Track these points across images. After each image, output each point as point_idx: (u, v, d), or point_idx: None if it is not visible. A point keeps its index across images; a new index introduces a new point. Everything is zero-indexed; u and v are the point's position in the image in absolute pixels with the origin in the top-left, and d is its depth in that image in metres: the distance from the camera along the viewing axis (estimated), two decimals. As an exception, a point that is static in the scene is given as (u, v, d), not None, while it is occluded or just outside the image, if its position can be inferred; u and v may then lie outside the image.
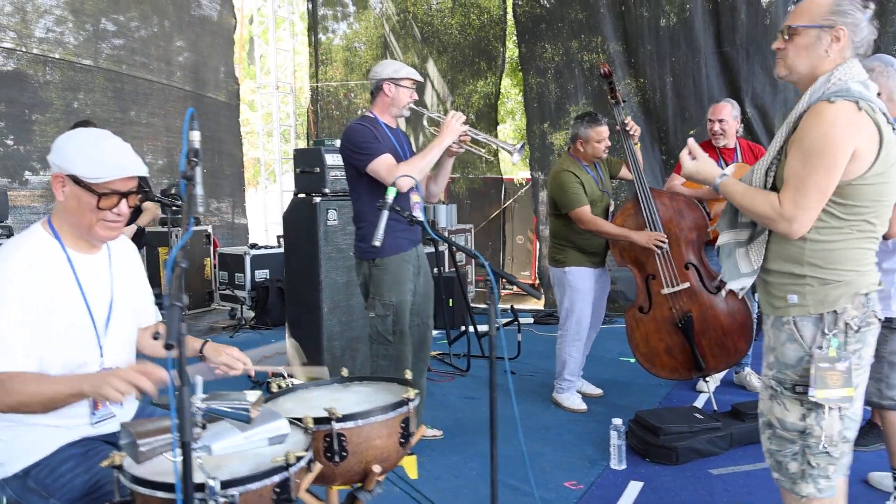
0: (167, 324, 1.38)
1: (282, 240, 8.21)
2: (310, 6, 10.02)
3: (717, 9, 7.55)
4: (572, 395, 4.60)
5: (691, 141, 2.40)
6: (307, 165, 4.87)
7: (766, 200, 2.10)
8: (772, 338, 2.20)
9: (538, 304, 8.21)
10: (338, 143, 5.05)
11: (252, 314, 7.38)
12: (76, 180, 2.03)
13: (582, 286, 4.48)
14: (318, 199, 4.76)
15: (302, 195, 4.99)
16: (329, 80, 10.29)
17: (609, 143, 4.41)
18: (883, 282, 2.87)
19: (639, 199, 4.36)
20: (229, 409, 1.69)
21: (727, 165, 4.65)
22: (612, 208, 4.59)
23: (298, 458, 1.78)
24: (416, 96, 3.77)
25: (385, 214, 2.68)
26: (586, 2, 8.10)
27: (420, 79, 3.78)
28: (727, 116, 4.58)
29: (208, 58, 9.26)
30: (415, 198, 3.73)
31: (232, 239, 9.78)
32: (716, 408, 4.24)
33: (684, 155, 2.36)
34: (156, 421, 1.68)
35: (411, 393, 2.25)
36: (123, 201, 2.11)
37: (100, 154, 2.05)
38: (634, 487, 3.43)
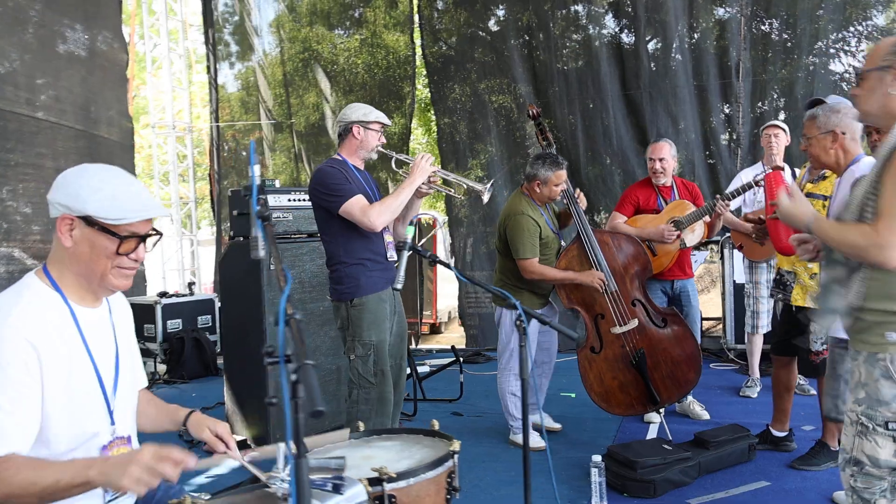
0: (307, 387, 1.24)
1: (193, 287, 7.84)
2: (208, 44, 9.69)
3: (620, 54, 7.94)
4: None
5: (793, 183, 2.47)
6: (245, 207, 4.65)
7: (857, 231, 2.17)
8: (863, 374, 2.23)
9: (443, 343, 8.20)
10: (277, 183, 4.89)
11: (164, 368, 6.91)
12: (90, 222, 1.80)
13: (530, 329, 4.49)
14: (260, 243, 4.53)
15: (240, 238, 4.76)
16: (229, 121, 9.95)
17: (565, 187, 4.47)
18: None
19: (581, 240, 4.43)
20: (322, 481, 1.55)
21: (665, 203, 4.85)
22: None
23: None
24: (384, 139, 3.77)
25: (405, 255, 2.59)
26: (493, 45, 8.33)
27: (389, 122, 3.77)
28: (667, 155, 4.78)
29: (98, 94, 8.73)
30: (388, 237, 3.73)
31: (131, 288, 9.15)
32: (670, 437, 4.35)
33: (783, 195, 2.43)
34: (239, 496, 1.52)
35: (455, 445, 2.16)
36: (142, 245, 1.91)
37: (118, 192, 1.83)
38: (619, 525, 3.44)
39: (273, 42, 9.83)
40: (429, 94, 9.10)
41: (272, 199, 4.62)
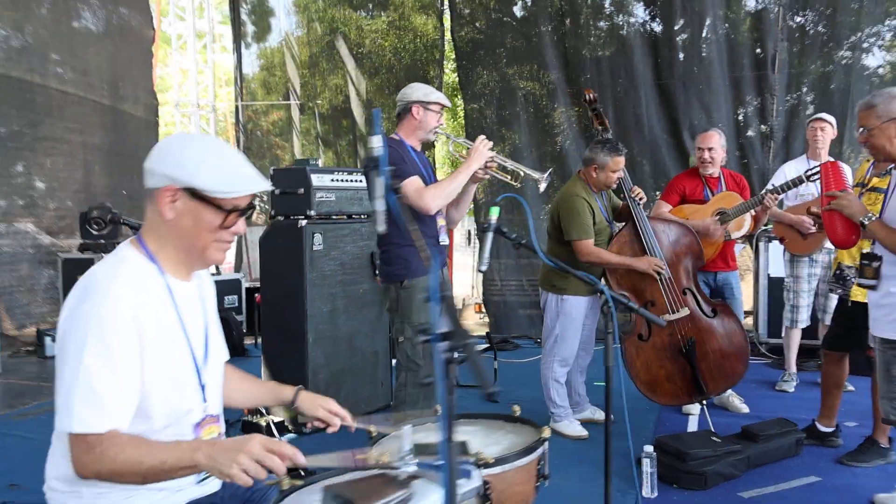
0: (479, 370, 1.19)
1: (221, 266, 7.80)
2: (234, 23, 9.62)
3: (655, 42, 7.86)
4: (571, 421, 4.54)
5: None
6: (289, 186, 4.60)
7: None
8: None
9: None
10: (320, 162, 4.83)
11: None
12: (195, 194, 1.72)
13: (577, 315, 4.45)
14: (303, 223, 4.49)
15: (281, 218, 4.71)
16: (250, 101, 9.88)
17: (622, 174, 4.40)
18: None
19: (636, 225, 4.38)
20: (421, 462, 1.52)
21: (712, 194, 4.80)
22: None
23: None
24: (443, 121, 3.71)
25: (490, 236, 2.54)
26: (523, 30, 8.24)
27: (448, 104, 3.71)
28: (716, 145, 4.72)
29: (126, 70, 8.66)
30: (440, 221, 3.69)
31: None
32: (713, 429, 4.30)
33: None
34: (361, 482, 1.47)
35: (546, 432, 2.13)
36: (242, 220, 1.84)
37: (224, 164, 1.76)
38: (673, 516, 3.40)
39: (297, 22, 9.75)
40: (456, 79, 9.03)
41: (315, 179, 4.58)
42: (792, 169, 5.23)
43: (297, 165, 4.82)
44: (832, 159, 4.71)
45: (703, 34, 7.71)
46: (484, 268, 2.58)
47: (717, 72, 7.60)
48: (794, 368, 5.49)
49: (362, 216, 4.88)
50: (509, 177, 3.70)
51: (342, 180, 4.71)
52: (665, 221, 4.53)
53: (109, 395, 1.59)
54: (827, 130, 5.22)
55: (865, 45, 7.94)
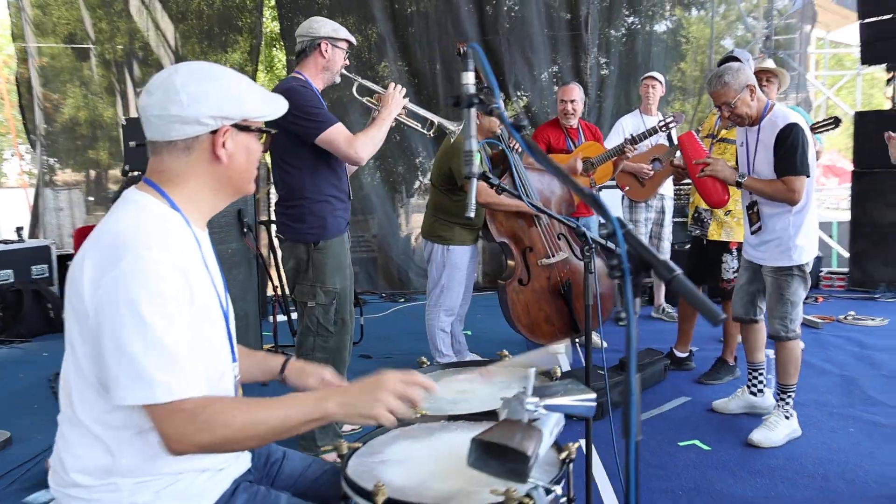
0: (694, 298, 1.19)
1: (23, 232, 6.88)
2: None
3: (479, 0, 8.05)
4: (457, 369, 4.65)
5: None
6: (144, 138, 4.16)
7: None
8: None
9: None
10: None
11: (-2, 326, 6.04)
12: (242, 127, 1.55)
13: (462, 264, 4.54)
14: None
15: (137, 173, 4.26)
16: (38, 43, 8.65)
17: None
18: (781, 232, 3.48)
19: (513, 172, 4.53)
20: (574, 405, 1.51)
21: (574, 144, 5.09)
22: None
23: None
24: (347, 61, 3.49)
25: (474, 182, 2.49)
26: (351, -21, 8.04)
27: (355, 42, 3.51)
28: (577, 97, 5.00)
29: None
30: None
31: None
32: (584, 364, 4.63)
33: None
34: (498, 428, 1.43)
35: (557, 370, 2.17)
36: None
37: (251, 85, 1.59)
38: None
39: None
40: (277, 28, 8.60)
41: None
42: (629, 123, 5.70)
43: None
44: (689, 129, 5.20)
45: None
46: (471, 214, 2.54)
47: (537, 29, 7.98)
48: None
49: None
50: (419, 124, 3.63)
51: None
52: (537, 169, 4.72)
53: (187, 354, 1.39)
54: (657, 88, 5.73)
55: (651, 13, 8.77)
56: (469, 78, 1.64)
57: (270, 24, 9.37)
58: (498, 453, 1.34)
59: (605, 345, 5.27)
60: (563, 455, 1.58)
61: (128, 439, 1.44)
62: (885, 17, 6.77)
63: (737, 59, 4.09)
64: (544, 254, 4.57)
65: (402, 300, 7.48)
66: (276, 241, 4.03)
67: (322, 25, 3.35)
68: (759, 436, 3.51)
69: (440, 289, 4.54)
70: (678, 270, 1.25)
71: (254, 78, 8.37)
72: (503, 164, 4.57)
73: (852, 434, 3.64)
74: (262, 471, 1.83)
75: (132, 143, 4.18)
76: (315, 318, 3.38)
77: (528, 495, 1.41)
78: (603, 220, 1.33)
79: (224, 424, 1.38)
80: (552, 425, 1.46)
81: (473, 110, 1.62)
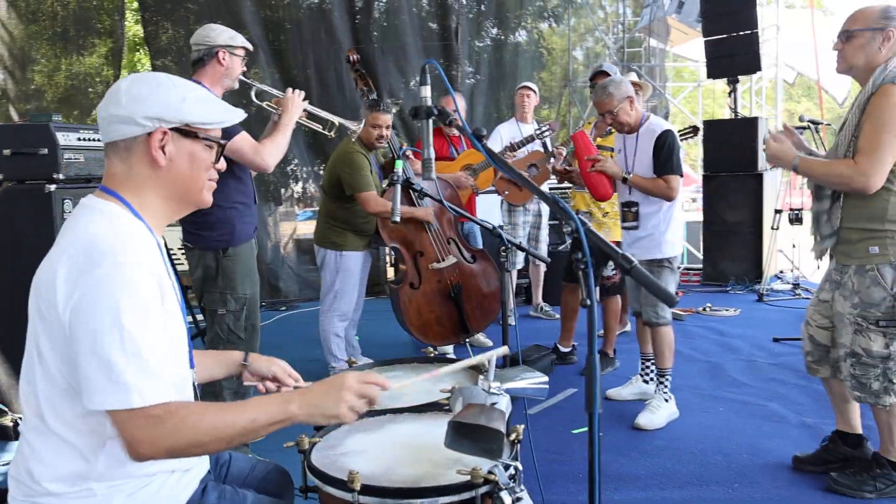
0: (651, 286, 1.34)
1: None
2: None
3: (352, 8, 8.11)
4: (351, 374, 4.69)
5: (778, 129, 2.89)
6: (26, 145, 3.94)
7: (843, 164, 2.69)
8: (855, 283, 2.78)
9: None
10: (59, 117, 4.22)
11: None
12: (186, 133, 1.56)
13: (355, 269, 4.60)
14: (51, 188, 3.89)
15: (13, 183, 4.02)
16: None
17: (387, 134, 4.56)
18: (653, 229, 3.82)
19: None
20: (529, 388, 1.65)
21: (457, 151, 5.27)
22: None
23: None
24: (245, 68, 3.49)
25: (398, 189, 2.57)
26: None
27: (251, 48, 3.50)
28: (458, 106, 5.16)
29: None
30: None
31: None
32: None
33: (770, 140, 2.85)
34: (467, 410, 1.53)
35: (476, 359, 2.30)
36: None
37: (201, 94, 1.61)
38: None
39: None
40: (138, 32, 8.27)
41: (62, 138, 3.98)
42: (506, 131, 5.96)
43: (35, 121, 4.11)
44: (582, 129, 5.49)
45: (399, 2, 8.16)
46: (397, 219, 2.62)
47: (410, 39, 8.15)
48: (512, 304, 6.29)
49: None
50: (320, 126, 3.67)
51: (90, 139, 4.16)
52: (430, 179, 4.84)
53: (160, 360, 1.41)
54: (531, 97, 6.03)
55: (513, 25, 9.21)
56: (426, 91, 1.73)
57: (133, 28, 8.98)
58: (474, 434, 1.45)
59: (490, 344, 5.49)
60: (513, 436, 1.69)
61: (102, 443, 1.44)
62: (725, 35, 7.45)
63: (606, 73, 4.43)
64: (435, 258, 4.71)
65: (284, 308, 7.40)
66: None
67: (219, 34, 3.36)
68: (644, 420, 3.81)
69: (334, 294, 4.57)
70: (636, 261, 1.41)
71: (116, 78, 8.02)
72: (394, 172, 4.65)
73: (722, 413, 4.01)
74: (214, 472, 1.86)
75: (6, 152, 3.93)
76: (225, 325, 3.39)
77: (490, 472, 1.52)
78: (560, 220, 1.46)
79: (192, 428, 1.40)
80: (505, 408, 1.59)
81: (430, 122, 1.71)
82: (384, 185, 4.66)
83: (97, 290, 1.37)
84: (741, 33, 7.30)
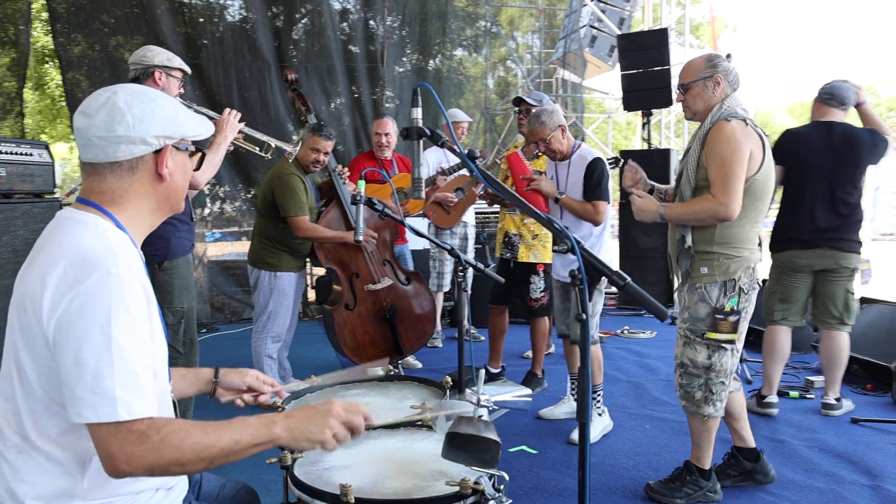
0: (641, 299, 1.43)
1: None
2: None
3: (276, 28, 8.07)
4: (285, 396, 4.63)
5: (638, 191, 3.07)
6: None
7: (703, 200, 2.89)
8: (686, 300, 3.00)
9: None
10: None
11: None
12: (178, 146, 1.59)
13: (289, 290, 4.56)
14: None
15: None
16: None
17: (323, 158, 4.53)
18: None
19: (341, 202, 4.65)
20: (515, 400, 1.71)
21: (388, 175, 5.31)
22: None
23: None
24: (182, 90, 3.48)
25: (362, 208, 2.60)
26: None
27: (189, 70, 3.50)
28: (391, 130, 5.25)
29: None
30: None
31: None
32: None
33: (634, 198, 3.06)
34: (459, 423, 1.58)
35: (447, 379, 2.36)
36: None
37: (181, 106, 1.62)
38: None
39: None
40: (47, 44, 7.93)
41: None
42: (432, 157, 6.04)
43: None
44: (515, 150, 5.63)
45: (322, 23, 8.18)
46: (360, 237, 2.63)
47: (335, 60, 8.18)
48: (439, 327, 6.37)
49: (34, 196, 4.19)
50: (257, 147, 3.67)
51: (12, 153, 3.99)
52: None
53: (146, 374, 1.39)
54: (463, 125, 6.15)
55: (434, 50, 9.40)
56: (417, 113, 1.79)
57: (42, 39, 8.60)
58: (471, 444, 1.50)
59: (419, 366, 5.53)
60: None
61: (88, 460, 1.42)
62: (641, 70, 7.84)
63: (525, 102, 4.65)
64: (370, 279, 4.73)
65: (205, 331, 7.20)
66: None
67: (156, 54, 3.39)
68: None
69: (267, 315, 4.52)
70: (628, 278, 1.50)
71: (20, 94, 7.68)
72: (330, 192, 4.67)
73: (648, 430, 4.19)
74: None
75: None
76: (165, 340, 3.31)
77: (476, 482, 1.58)
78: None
79: (175, 446, 1.36)
80: (490, 420, 1.66)
81: (420, 142, 1.77)
82: (319, 207, 4.66)
83: (88, 300, 1.35)
84: (655, 69, 7.69)
